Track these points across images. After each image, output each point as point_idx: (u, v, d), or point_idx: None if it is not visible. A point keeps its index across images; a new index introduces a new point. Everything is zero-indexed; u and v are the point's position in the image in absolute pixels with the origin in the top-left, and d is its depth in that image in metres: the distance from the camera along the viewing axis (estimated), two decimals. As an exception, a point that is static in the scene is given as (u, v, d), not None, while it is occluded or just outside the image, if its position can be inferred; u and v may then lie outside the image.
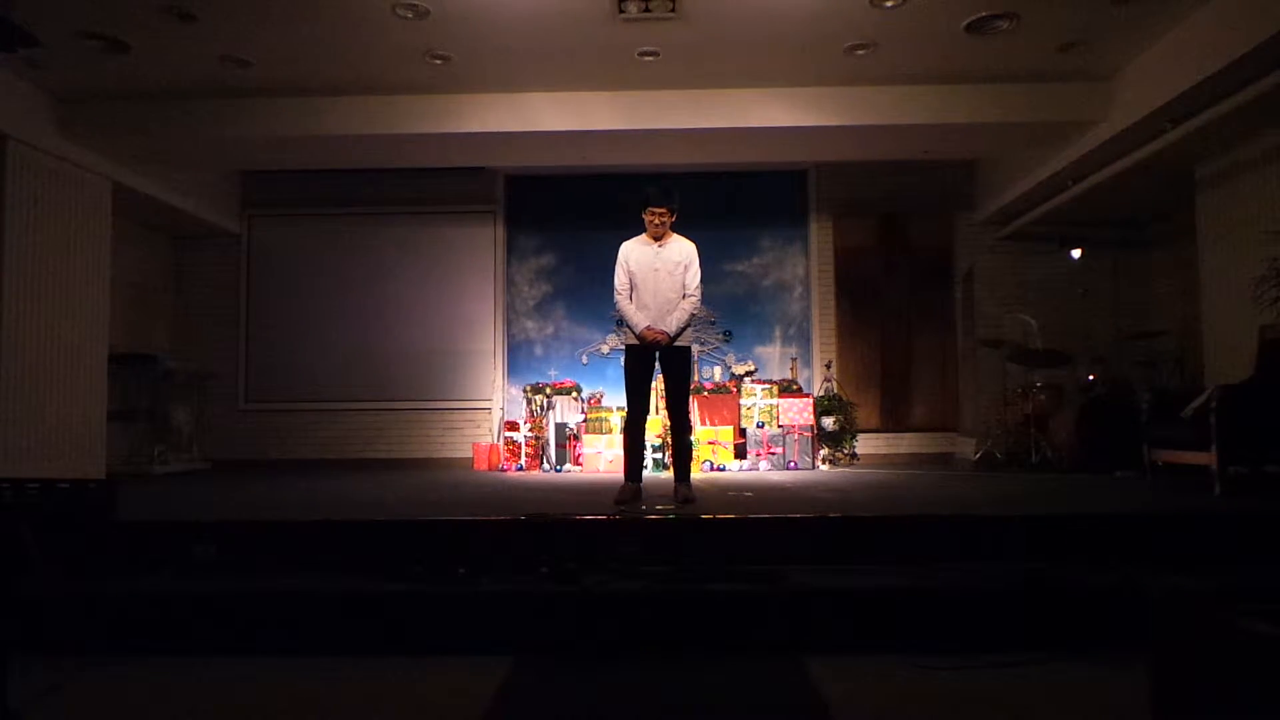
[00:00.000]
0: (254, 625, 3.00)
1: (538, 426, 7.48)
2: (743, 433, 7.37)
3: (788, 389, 7.67)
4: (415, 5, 4.95)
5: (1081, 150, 6.24)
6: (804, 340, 8.43)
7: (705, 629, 2.94)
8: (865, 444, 7.82)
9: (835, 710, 2.34)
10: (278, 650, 2.92)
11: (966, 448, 7.57)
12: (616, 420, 7.17)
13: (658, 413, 6.34)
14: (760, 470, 7.09)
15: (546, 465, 7.39)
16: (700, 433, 7.12)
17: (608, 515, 3.89)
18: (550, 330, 8.53)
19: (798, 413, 7.29)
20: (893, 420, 8.27)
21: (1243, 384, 4.83)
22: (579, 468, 7.27)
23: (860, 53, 5.57)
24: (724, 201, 8.35)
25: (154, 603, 3.04)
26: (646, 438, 4.87)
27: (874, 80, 6.00)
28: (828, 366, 8.14)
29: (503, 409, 8.32)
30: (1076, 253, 7.56)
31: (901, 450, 8.16)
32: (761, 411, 7.38)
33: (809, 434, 7.24)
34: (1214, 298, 6.18)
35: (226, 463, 8.04)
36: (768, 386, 7.52)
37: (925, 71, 5.85)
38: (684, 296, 4.42)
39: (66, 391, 6.12)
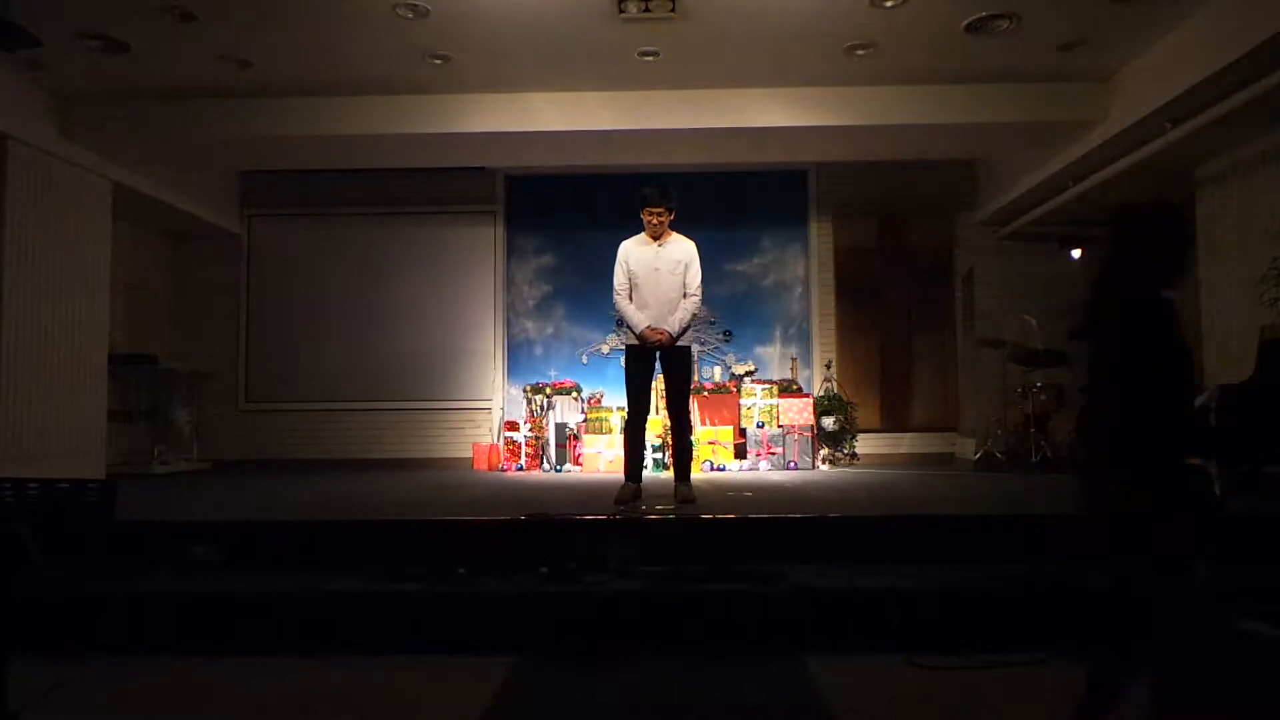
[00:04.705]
0: (253, 625, 3.00)
1: (538, 426, 7.48)
2: (743, 433, 7.37)
3: (788, 389, 7.67)
4: (415, 5, 4.95)
5: (1082, 150, 6.23)
6: (804, 340, 8.43)
7: (705, 629, 2.94)
8: (865, 444, 7.81)
9: (835, 710, 2.34)
10: (277, 650, 2.92)
11: (967, 448, 7.56)
12: (616, 420, 7.17)
13: (658, 413, 6.33)
14: (760, 470, 7.09)
15: (546, 465, 7.39)
16: (700, 433, 7.11)
17: (608, 515, 3.89)
18: (550, 330, 8.53)
19: (798, 413, 7.29)
20: (893, 420, 8.26)
21: (1243, 384, 4.82)
22: (579, 468, 7.27)
23: (860, 53, 5.57)
24: (724, 201, 8.33)
25: (154, 603, 3.04)
26: (647, 438, 4.87)
27: (874, 80, 5.99)
28: (828, 366, 8.14)
29: (503, 409, 8.32)
30: (1076, 253, 7.56)
31: (901, 450, 8.16)
32: (761, 411, 7.38)
33: (809, 434, 7.23)
34: (1214, 298, 6.17)
35: (226, 463, 8.03)
36: (768, 386, 7.52)
37: (925, 71, 5.85)
38: (684, 296, 4.42)
39: (66, 391, 6.11)
